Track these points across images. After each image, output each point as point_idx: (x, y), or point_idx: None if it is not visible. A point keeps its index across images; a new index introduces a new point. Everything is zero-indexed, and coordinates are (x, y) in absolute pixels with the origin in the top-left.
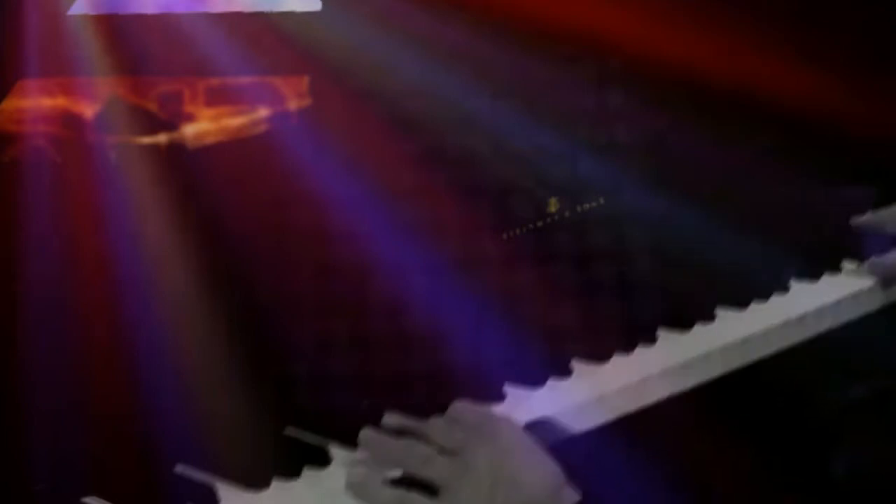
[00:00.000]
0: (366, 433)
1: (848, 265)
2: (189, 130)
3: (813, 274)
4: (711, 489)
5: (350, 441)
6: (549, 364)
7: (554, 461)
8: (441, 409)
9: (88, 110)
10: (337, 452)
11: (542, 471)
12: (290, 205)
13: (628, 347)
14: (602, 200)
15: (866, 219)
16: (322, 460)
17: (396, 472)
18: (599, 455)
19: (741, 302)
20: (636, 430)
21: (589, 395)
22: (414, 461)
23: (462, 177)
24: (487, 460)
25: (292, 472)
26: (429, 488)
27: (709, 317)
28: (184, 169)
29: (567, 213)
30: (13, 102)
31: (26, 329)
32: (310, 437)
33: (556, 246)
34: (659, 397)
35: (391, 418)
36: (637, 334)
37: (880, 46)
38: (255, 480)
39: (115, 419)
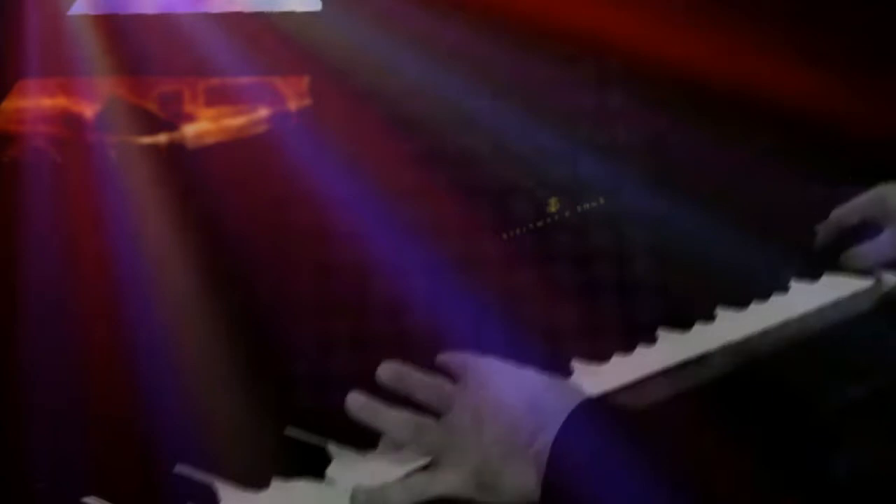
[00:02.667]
0: (356, 399)
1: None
2: (189, 130)
3: (813, 274)
4: (712, 489)
5: (350, 441)
6: (549, 364)
7: (535, 374)
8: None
9: (88, 110)
10: (337, 452)
11: (517, 391)
12: (290, 205)
13: (628, 347)
14: (602, 200)
15: (827, 222)
16: (322, 460)
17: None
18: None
19: (741, 302)
20: (636, 429)
21: (589, 395)
22: (407, 431)
23: (462, 177)
24: (465, 406)
25: (292, 472)
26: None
27: (709, 317)
28: (184, 169)
29: (567, 213)
30: (13, 102)
31: (26, 329)
32: (310, 437)
33: (556, 246)
34: (659, 397)
35: (386, 370)
36: (637, 334)
37: (880, 46)
38: (255, 480)
39: (115, 419)
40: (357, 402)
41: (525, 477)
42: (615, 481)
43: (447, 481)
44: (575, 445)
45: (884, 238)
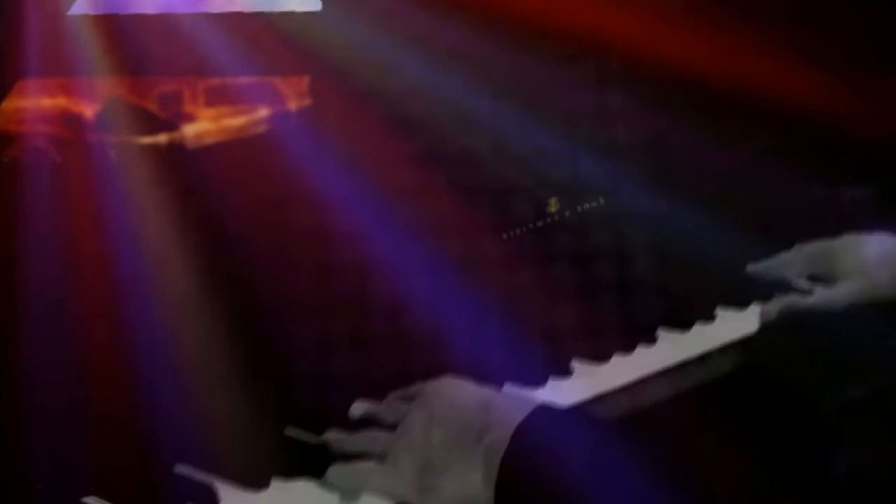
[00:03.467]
0: (330, 435)
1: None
2: (189, 130)
3: (745, 302)
4: (712, 489)
5: None
6: (549, 364)
7: (488, 390)
8: None
9: (88, 110)
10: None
11: (472, 394)
12: (290, 205)
13: (628, 347)
14: (602, 200)
15: (763, 266)
16: (322, 460)
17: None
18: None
19: (741, 302)
20: (636, 430)
21: (589, 395)
22: (364, 443)
23: (462, 177)
24: (420, 413)
25: (292, 472)
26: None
27: (709, 317)
28: (184, 169)
29: (567, 213)
30: (13, 102)
31: (26, 329)
32: (310, 437)
33: (556, 246)
34: (659, 397)
35: (357, 408)
36: (637, 334)
37: (880, 46)
38: (255, 480)
39: (115, 419)
40: (332, 438)
41: (469, 476)
42: (575, 478)
43: (389, 478)
44: (534, 439)
45: (835, 291)
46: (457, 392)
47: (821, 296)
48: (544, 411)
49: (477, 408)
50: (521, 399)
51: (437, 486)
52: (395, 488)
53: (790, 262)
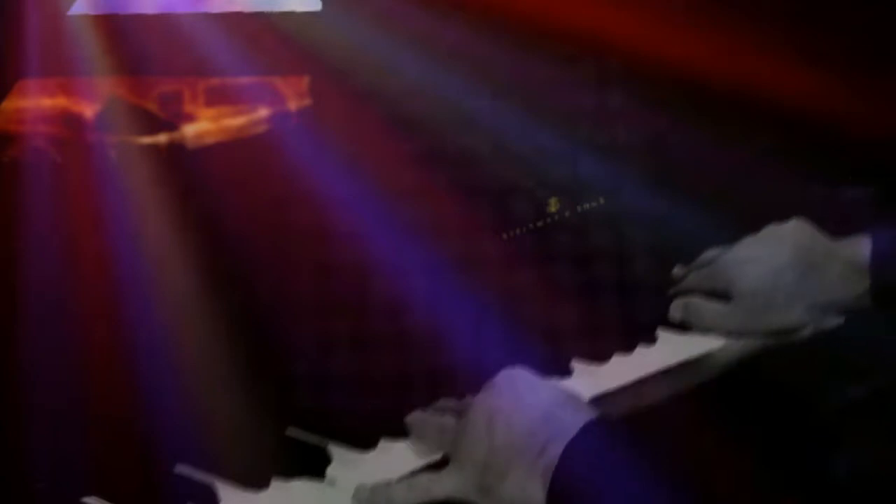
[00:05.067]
0: (415, 415)
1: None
2: (189, 130)
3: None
4: (712, 489)
5: (350, 441)
6: (549, 364)
7: (556, 387)
8: None
9: (88, 110)
10: (337, 452)
11: (536, 397)
12: (290, 205)
13: (628, 347)
14: (602, 200)
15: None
16: (322, 460)
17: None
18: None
19: None
20: (636, 430)
21: (589, 395)
22: (433, 433)
23: (462, 177)
24: (482, 409)
25: (292, 472)
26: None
27: None
28: (184, 169)
29: (567, 213)
30: (13, 102)
31: (26, 329)
32: (310, 437)
33: (556, 246)
34: (659, 397)
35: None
36: (637, 334)
37: (880, 46)
38: (255, 480)
39: (115, 419)
40: (414, 419)
41: (530, 487)
42: (621, 497)
43: (450, 481)
44: (582, 461)
45: (729, 307)
46: (518, 393)
47: (717, 311)
48: (595, 429)
49: (539, 417)
50: (579, 410)
51: (496, 489)
52: (458, 491)
53: (694, 276)
